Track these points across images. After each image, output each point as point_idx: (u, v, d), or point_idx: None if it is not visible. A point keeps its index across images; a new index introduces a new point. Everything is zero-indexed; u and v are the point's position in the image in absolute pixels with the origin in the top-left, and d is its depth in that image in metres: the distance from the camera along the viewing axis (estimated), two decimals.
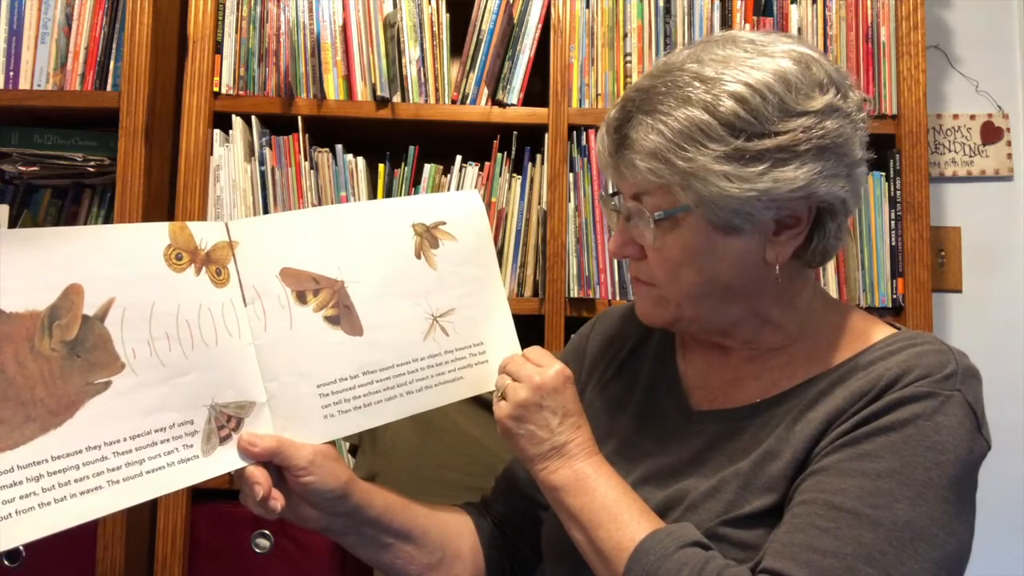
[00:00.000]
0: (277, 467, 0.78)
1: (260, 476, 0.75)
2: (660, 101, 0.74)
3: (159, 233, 0.74)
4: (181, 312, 0.74)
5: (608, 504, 0.75)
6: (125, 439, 0.69)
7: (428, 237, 0.86)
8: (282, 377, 0.78)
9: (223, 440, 0.75)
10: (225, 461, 0.75)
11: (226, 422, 0.76)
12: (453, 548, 0.93)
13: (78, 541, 1.41)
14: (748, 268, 0.77)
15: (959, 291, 1.95)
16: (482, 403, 1.35)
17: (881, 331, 0.81)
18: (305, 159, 1.55)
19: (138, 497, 0.69)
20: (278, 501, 0.76)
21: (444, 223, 0.88)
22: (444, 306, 0.86)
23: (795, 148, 0.72)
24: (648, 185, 0.75)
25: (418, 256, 0.86)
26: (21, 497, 0.63)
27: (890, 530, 0.66)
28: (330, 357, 0.80)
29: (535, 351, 0.84)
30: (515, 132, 1.59)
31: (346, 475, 0.81)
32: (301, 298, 0.80)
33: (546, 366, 0.81)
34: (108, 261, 0.70)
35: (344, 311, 0.81)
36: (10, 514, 0.62)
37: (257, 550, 1.47)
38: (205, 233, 0.77)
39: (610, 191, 0.85)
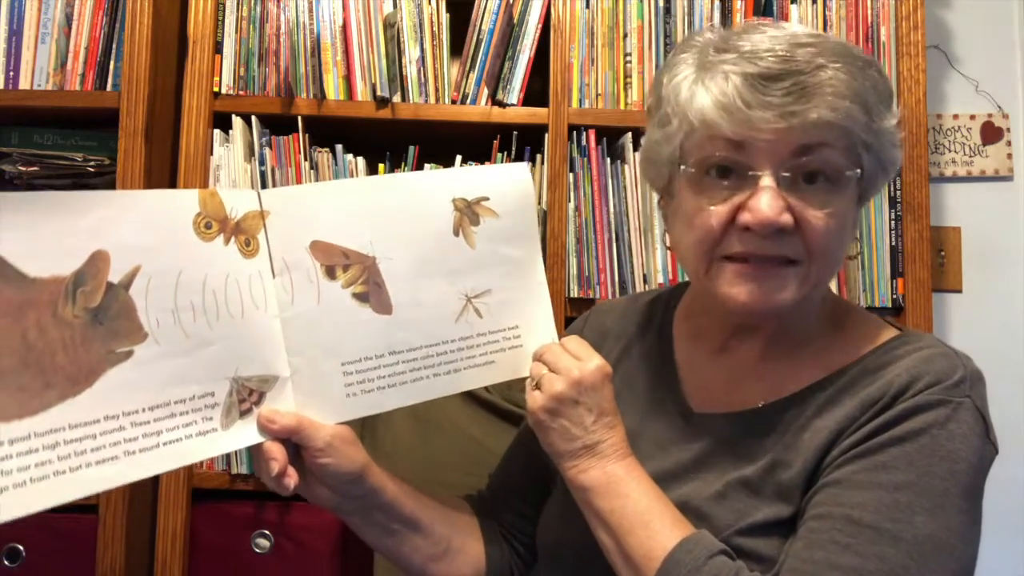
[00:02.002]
0: (295, 444, 0.77)
1: (277, 452, 0.75)
2: (840, 59, 0.69)
3: (189, 200, 0.72)
4: (208, 282, 0.72)
5: (640, 510, 0.73)
6: (144, 410, 0.68)
7: (469, 213, 0.82)
8: (307, 352, 0.77)
9: (243, 414, 0.74)
10: (244, 436, 0.74)
11: (248, 395, 0.74)
12: (458, 542, 0.93)
13: (78, 541, 1.41)
14: (849, 243, 0.77)
15: (959, 291, 1.95)
16: (483, 404, 1.35)
17: (884, 332, 0.80)
18: (305, 159, 1.55)
19: (154, 469, 0.68)
20: (292, 479, 0.76)
21: (487, 198, 0.83)
22: (480, 287, 0.83)
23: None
24: (834, 136, 0.70)
25: (456, 233, 0.82)
26: (37, 465, 0.62)
27: (912, 544, 0.65)
28: (357, 335, 0.78)
29: (574, 341, 0.81)
30: (515, 132, 1.59)
31: (363, 459, 0.81)
32: (330, 273, 0.78)
33: (585, 360, 0.78)
34: (136, 228, 0.68)
35: (374, 288, 0.79)
36: (25, 481, 0.61)
37: (257, 550, 1.47)
38: (236, 202, 0.75)
39: (716, 151, 0.72)
